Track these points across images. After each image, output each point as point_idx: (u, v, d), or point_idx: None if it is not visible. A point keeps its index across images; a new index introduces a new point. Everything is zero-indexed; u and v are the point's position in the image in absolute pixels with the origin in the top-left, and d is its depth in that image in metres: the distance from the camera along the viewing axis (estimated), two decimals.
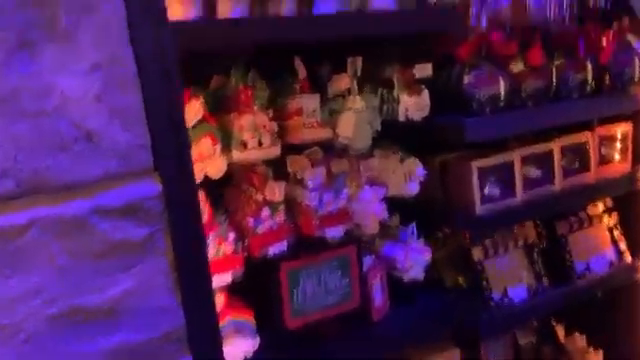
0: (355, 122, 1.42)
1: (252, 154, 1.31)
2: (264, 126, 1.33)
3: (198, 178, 1.20)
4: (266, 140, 1.33)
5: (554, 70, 1.60)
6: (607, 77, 1.70)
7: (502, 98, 1.52)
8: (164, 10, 0.63)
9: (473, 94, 1.49)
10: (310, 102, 1.40)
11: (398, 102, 1.45)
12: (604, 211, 1.89)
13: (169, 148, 0.65)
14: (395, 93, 1.47)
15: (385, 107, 1.50)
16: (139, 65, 0.62)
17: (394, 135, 1.55)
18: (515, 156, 1.61)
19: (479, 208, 1.56)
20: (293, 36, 1.21)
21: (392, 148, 1.58)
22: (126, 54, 0.63)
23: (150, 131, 0.64)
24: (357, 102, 1.44)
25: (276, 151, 1.35)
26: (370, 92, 1.52)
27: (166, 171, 0.65)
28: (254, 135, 1.31)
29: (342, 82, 1.45)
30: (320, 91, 1.43)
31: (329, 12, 1.28)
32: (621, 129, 1.86)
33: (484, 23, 1.42)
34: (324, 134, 1.43)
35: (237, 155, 1.29)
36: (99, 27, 0.61)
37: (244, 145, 1.30)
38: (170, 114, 0.64)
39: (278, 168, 1.41)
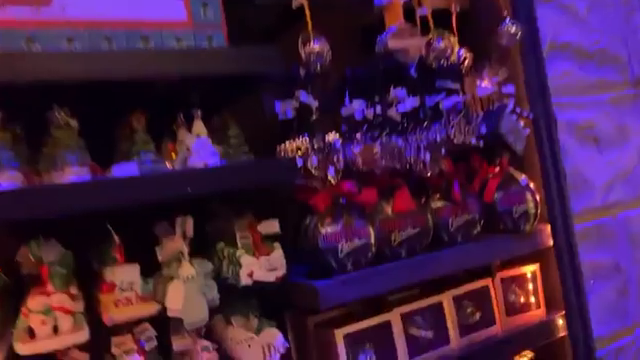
0: (185, 293, 1.21)
1: (44, 345, 1.08)
2: (62, 308, 1.12)
3: None
4: (64, 325, 1.11)
5: (429, 214, 1.43)
6: (495, 217, 1.53)
7: (369, 250, 1.33)
8: None
9: (330, 249, 1.30)
10: (126, 273, 1.20)
11: (240, 265, 1.25)
12: None
13: None
14: (238, 254, 1.28)
15: (230, 269, 1.30)
16: None
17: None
18: (393, 316, 1.39)
19: None
20: (80, 203, 1.04)
21: (252, 309, 1.36)
22: None
23: None
24: (186, 269, 1.23)
25: (81, 337, 1.12)
26: (217, 252, 1.34)
27: None
28: (46, 321, 1.09)
29: (174, 244, 1.26)
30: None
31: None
32: (530, 269, 1.65)
33: (331, 172, 1.27)
34: (146, 310, 1.21)
35: (20, 347, 1.06)
36: None
37: (31, 334, 1.08)
38: None
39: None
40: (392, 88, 1.44)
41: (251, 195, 1.35)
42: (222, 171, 1.17)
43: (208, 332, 1.34)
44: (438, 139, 1.39)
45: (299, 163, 1.28)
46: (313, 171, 1.26)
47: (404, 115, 1.40)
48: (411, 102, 1.41)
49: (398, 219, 1.39)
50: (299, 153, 1.32)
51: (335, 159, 1.30)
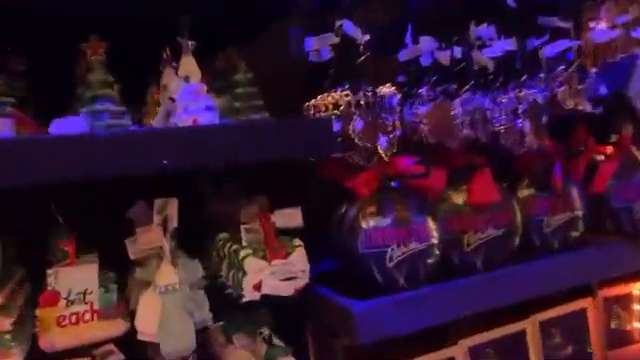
0: (162, 309, 0.83)
1: None
2: None
3: None
4: None
5: (517, 209, 1.01)
6: (607, 216, 1.09)
7: (431, 258, 0.92)
8: None
9: (375, 255, 0.89)
10: (76, 277, 0.82)
11: (244, 271, 0.86)
12: None
13: None
14: (242, 255, 0.88)
15: (232, 274, 0.91)
16: None
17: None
18: (458, 351, 0.98)
19: None
20: None
21: (260, 324, 0.98)
22: None
23: None
24: (166, 274, 0.85)
25: None
26: (217, 246, 0.95)
27: None
28: None
29: (152, 236, 0.88)
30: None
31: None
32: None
33: (383, 143, 0.85)
34: (106, 331, 0.84)
35: None
36: None
37: None
38: None
39: None
40: (474, 24, 1.00)
41: (263, 170, 0.95)
42: (220, 134, 0.77)
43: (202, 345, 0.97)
44: (541, 100, 0.95)
45: (336, 127, 0.87)
46: (356, 139, 0.84)
47: (496, 64, 0.96)
48: (503, 45, 0.97)
49: (475, 215, 0.96)
50: (336, 112, 0.90)
51: (389, 123, 0.87)
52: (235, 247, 0.92)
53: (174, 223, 0.87)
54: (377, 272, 0.90)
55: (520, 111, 0.91)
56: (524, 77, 0.95)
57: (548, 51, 1.01)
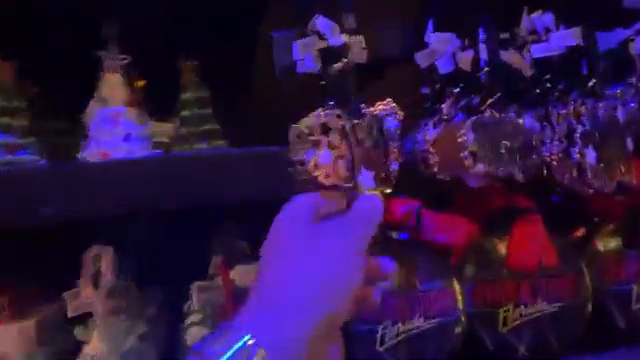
0: None
1: None
2: None
3: None
4: None
5: (586, 273, 0.69)
6: None
7: (452, 341, 0.65)
8: None
9: (360, 336, 0.65)
10: None
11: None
12: None
13: None
14: (190, 320, 0.69)
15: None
16: None
17: None
18: None
19: None
20: None
21: None
22: None
23: None
24: (94, 342, 0.68)
25: None
26: None
27: None
28: None
29: (84, 293, 0.71)
30: None
31: None
32: None
33: (367, 182, 0.61)
34: None
35: None
36: None
37: None
38: None
39: None
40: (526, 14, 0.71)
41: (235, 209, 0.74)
42: (131, 169, 0.58)
43: None
44: (621, 117, 0.64)
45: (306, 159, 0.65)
46: (320, 177, 0.61)
47: (543, 66, 0.67)
48: (562, 39, 0.67)
49: (515, 281, 0.68)
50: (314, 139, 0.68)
51: (379, 153, 0.63)
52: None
53: (108, 277, 0.71)
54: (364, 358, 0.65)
55: (579, 133, 0.61)
56: (592, 82, 0.65)
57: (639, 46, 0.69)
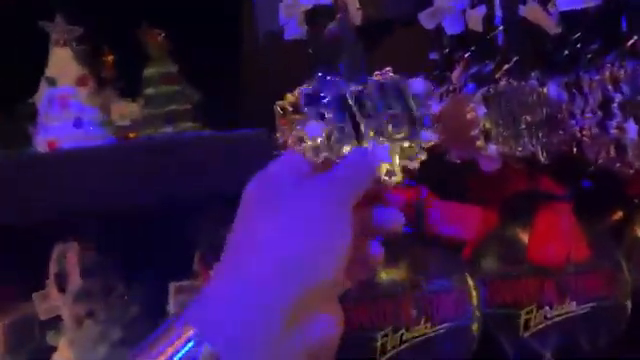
0: None
1: None
2: None
3: None
4: None
5: (625, 268, 0.59)
6: None
7: (465, 347, 0.57)
8: None
9: (355, 342, 0.56)
10: None
11: None
12: None
13: None
14: None
15: None
16: None
17: None
18: None
19: None
20: None
21: None
22: None
23: None
24: (61, 349, 0.61)
25: None
26: None
27: None
28: None
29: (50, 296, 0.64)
30: None
31: None
32: None
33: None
34: None
35: None
36: None
37: None
38: None
39: None
40: None
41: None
42: (81, 160, 0.50)
43: None
44: None
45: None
46: (307, 154, 0.52)
47: (572, 22, 0.56)
48: None
49: (539, 278, 0.58)
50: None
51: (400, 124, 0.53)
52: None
53: (75, 278, 0.63)
54: None
55: (617, 103, 0.50)
56: (632, 42, 0.53)
57: None
